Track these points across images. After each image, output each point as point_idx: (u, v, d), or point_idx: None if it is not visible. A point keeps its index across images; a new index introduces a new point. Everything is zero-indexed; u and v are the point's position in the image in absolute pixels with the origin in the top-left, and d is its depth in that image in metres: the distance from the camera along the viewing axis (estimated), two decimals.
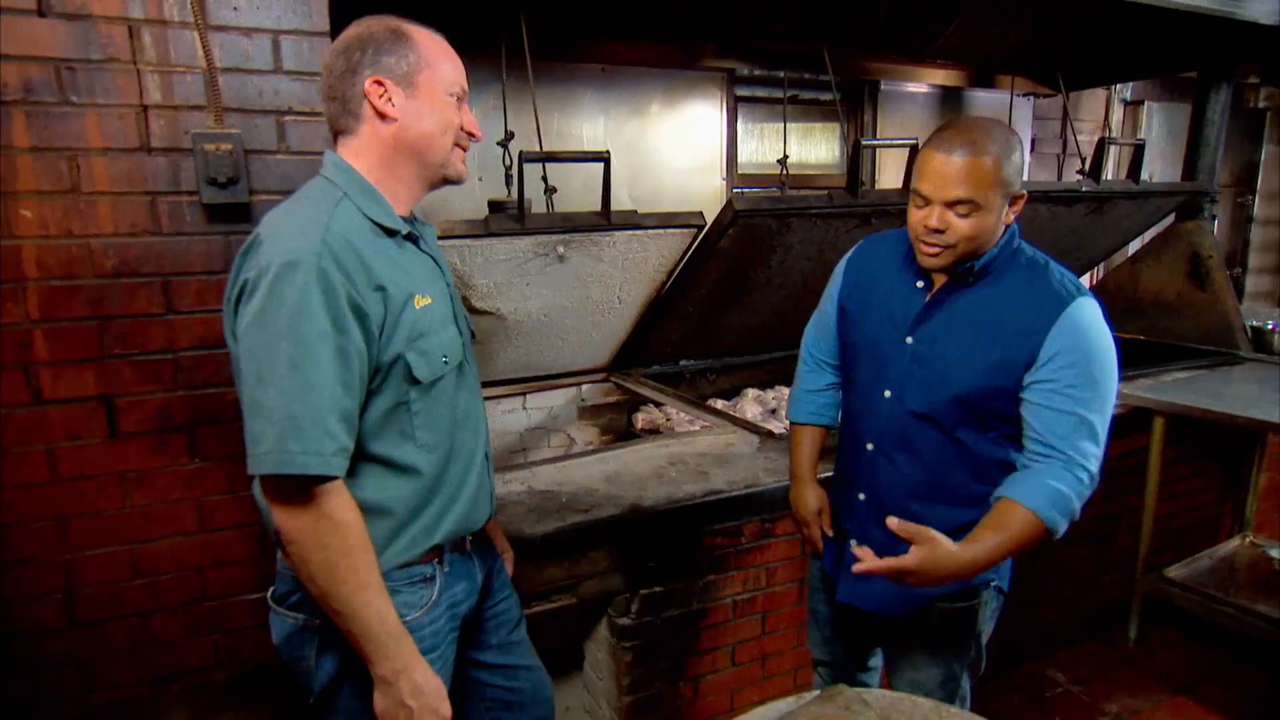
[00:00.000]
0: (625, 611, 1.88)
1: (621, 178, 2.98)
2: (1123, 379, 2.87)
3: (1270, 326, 3.34)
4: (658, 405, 2.83)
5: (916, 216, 1.30)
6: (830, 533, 1.57)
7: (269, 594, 1.22)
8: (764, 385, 3.06)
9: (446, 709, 1.12)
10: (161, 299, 1.50)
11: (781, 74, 3.12)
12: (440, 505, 1.19)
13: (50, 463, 1.48)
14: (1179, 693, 2.45)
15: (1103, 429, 1.26)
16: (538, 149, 2.07)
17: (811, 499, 1.59)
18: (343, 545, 1.02)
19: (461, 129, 1.16)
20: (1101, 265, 4.07)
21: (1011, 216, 1.30)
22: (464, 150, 1.19)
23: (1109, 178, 3.03)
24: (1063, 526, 1.25)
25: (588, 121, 2.98)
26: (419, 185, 1.17)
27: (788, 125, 3.03)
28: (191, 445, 1.57)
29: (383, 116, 1.11)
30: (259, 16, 1.49)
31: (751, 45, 2.95)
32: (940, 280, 1.37)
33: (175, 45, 1.44)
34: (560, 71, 2.86)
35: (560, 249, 2.16)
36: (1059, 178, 4.11)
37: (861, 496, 1.48)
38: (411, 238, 1.17)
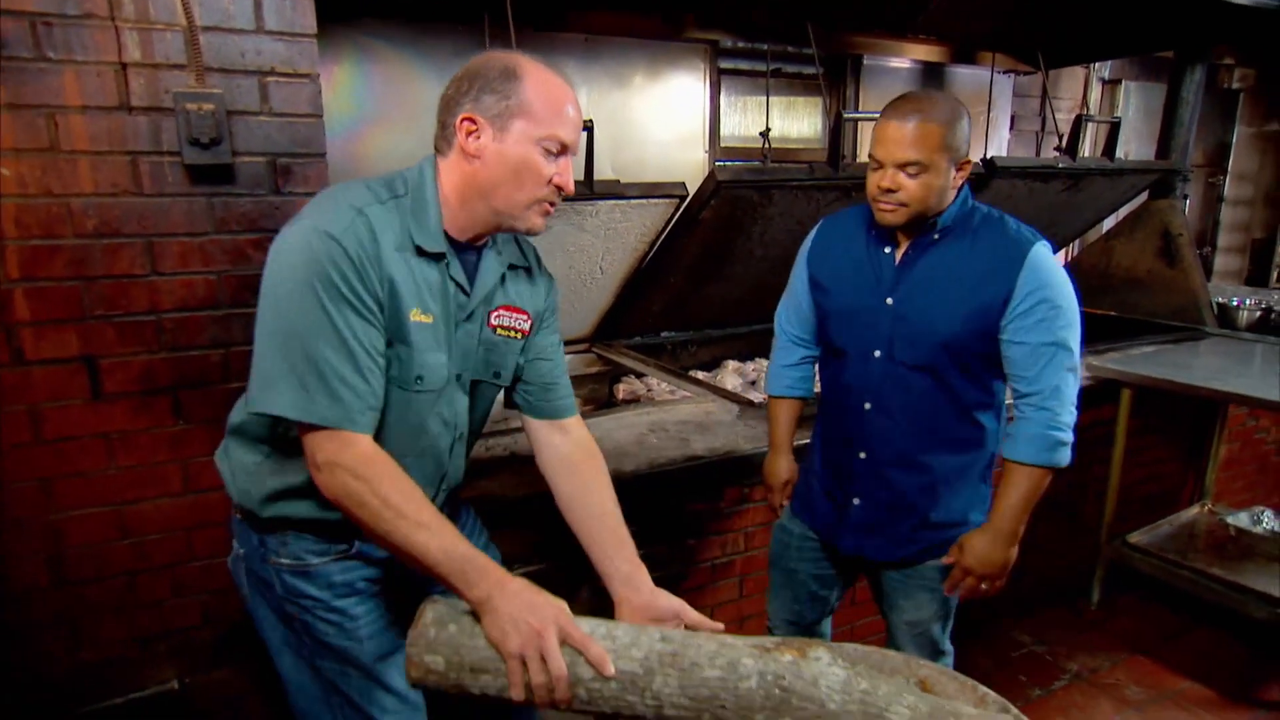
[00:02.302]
0: None
1: (604, 148, 2.96)
2: (1093, 353, 2.95)
3: (1235, 303, 3.44)
4: (639, 376, 2.86)
5: (873, 180, 1.43)
6: (785, 500, 1.72)
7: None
8: (744, 357, 3.10)
9: (554, 618, 1.00)
10: (144, 260, 1.50)
11: (764, 47, 3.12)
12: None
13: (33, 423, 1.48)
14: (1137, 652, 2.56)
15: (1076, 347, 1.42)
16: None
17: (783, 469, 1.72)
18: (377, 495, 1.02)
19: (549, 182, 1.14)
20: (1077, 242, 4.14)
21: (960, 180, 1.44)
22: (549, 206, 1.17)
23: (1085, 155, 3.07)
24: (1062, 459, 1.42)
25: None
26: (485, 223, 1.17)
27: (770, 99, 3.04)
28: (176, 407, 1.57)
29: (465, 153, 1.13)
30: None
31: (735, 17, 2.95)
32: (906, 242, 1.48)
33: (154, 2, 1.43)
34: (543, 41, 2.83)
35: None
36: (1037, 154, 4.16)
37: (862, 455, 1.57)
38: (441, 257, 1.16)
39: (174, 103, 1.45)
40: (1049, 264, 1.41)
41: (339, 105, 2.46)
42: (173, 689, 1.67)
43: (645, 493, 1.89)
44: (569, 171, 1.16)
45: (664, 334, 3.01)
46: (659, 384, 2.76)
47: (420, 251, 1.14)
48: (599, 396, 2.95)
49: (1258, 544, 2.67)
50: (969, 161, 1.42)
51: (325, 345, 1.04)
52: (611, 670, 0.98)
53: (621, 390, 2.88)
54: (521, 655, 0.98)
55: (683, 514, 1.99)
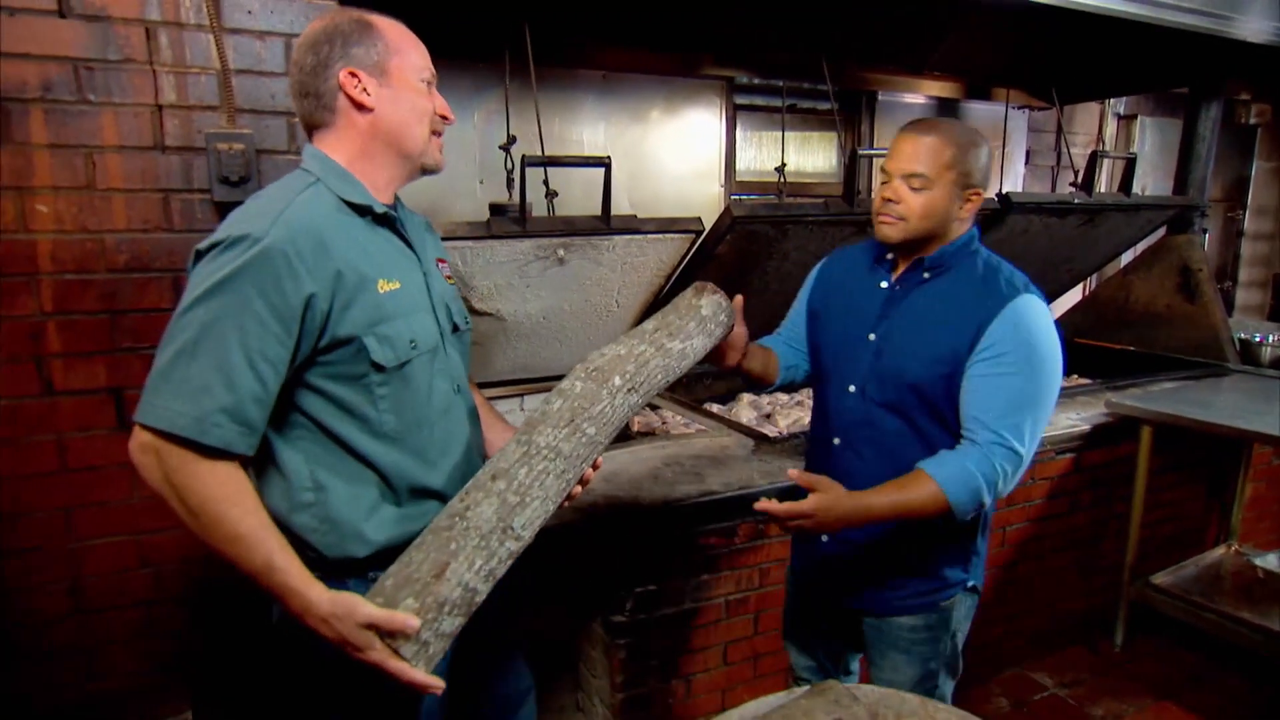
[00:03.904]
0: (620, 609, 1.91)
1: (621, 183, 3.02)
2: (1112, 388, 2.92)
3: (1258, 339, 3.39)
4: (654, 408, 2.86)
5: (878, 193, 1.41)
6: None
7: None
8: (759, 390, 3.10)
9: (354, 625, 1.01)
10: (172, 294, 1.54)
11: (780, 83, 3.17)
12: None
13: (59, 453, 1.51)
14: (1164, 698, 2.48)
15: (1033, 420, 1.30)
16: (539, 154, 2.11)
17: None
18: (194, 501, 1.00)
19: (435, 114, 1.18)
20: (1094, 277, 4.13)
21: (967, 211, 1.39)
22: (439, 136, 1.20)
23: (1101, 190, 3.08)
24: (967, 506, 1.30)
25: (588, 127, 3.03)
26: (398, 174, 1.19)
27: (786, 134, 3.07)
28: None
29: (359, 107, 1.12)
30: (272, 20, 1.53)
31: (751, 54, 3.01)
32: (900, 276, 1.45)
33: (190, 47, 1.48)
34: (562, 78, 2.90)
35: (560, 252, 2.20)
36: (1053, 189, 4.17)
37: None
38: (387, 220, 1.17)
39: (206, 142, 1.50)
40: (1028, 317, 1.32)
41: None
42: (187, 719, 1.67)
43: (659, 527, 1.89)
44: (442, 99, 1.20)
45: None
46: (674, 417, 2.76)
47: (364, 215, 1.13)
48: None
49: None
50: (979, 193, 1.38)
51: (206, 353, 0.99)
52: (415, 624, 1.00)
53: (637, 423, 2.88)
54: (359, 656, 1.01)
55: (697, 549, 1.97)
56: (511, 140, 2.25)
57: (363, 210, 1.14)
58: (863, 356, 1.45)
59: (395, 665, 1.01)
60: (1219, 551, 2.93)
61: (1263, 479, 3.10)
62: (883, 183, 1.40)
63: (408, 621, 0.99)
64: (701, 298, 1.38)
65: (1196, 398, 2.69)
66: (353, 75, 1.11)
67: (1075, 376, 3.51)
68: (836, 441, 1.51)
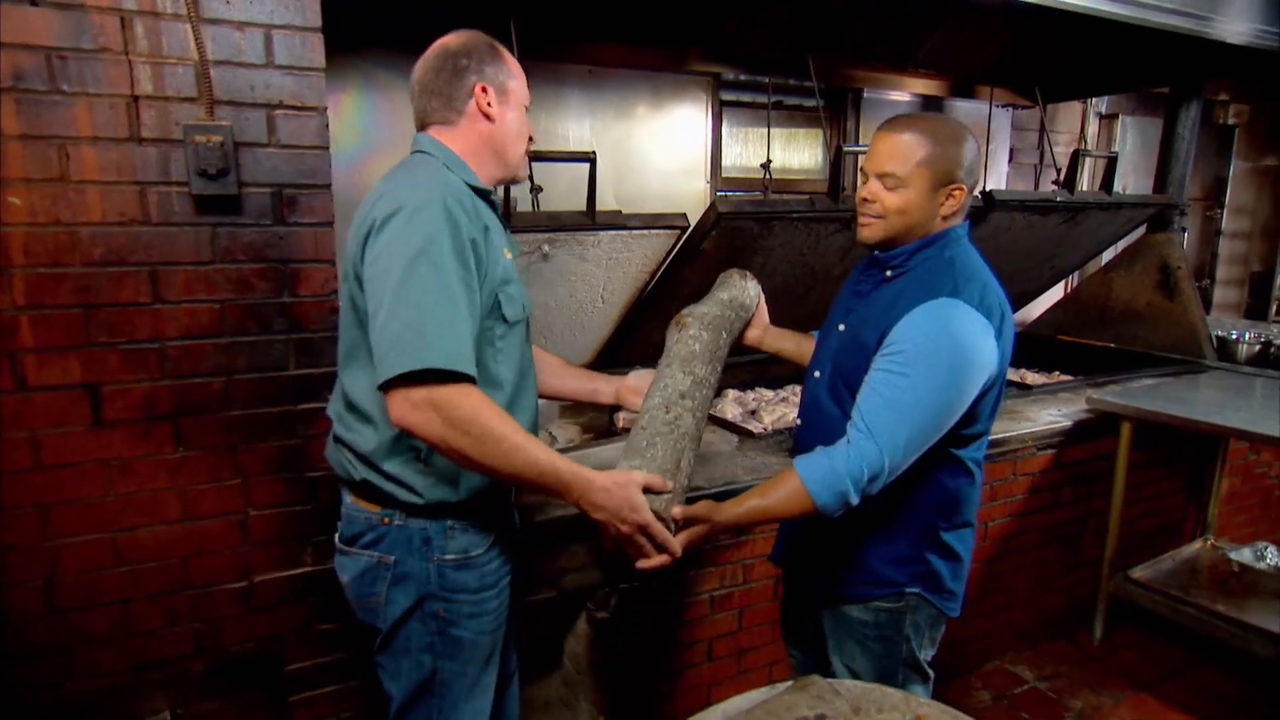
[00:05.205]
0: (604, 606, 1.91)
1: (607, 178, 3.00)
2: (1093, 385, 2.95)
3: (1235, 336, 3.45)
4: None
5: (858, 192, 1.41)
6: None
7: (336, 538, 1.36)
8: (744, 386, 3.10)
9: (635, 487, 1.24)
10: (149, 288, 1.51)
11: (766, 80, 3.17)
12: None
13: (33, 450, 1.48)
14: (1141, 690, 2.52)
15: (907, 423, 1.26)
16: None
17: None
18: (477, 430, 1.14)
19: (527, 135, 1.40)
20: (1076, 274, 4.17)
21: (949, 209, 1.36)
22: (528, 155, 1.42)
23: (1083, 189, 3.11)
24: (832, 505, 1.28)
25: (574, 122, 3.01)
26: (495, 176, 1.38)
27: (771, 130, 3.07)
28: (176, 434, 1.57)
29: (486, 117, 1.32)
30: (252, 11, 1.50)
31: (737, 51, 3.00)
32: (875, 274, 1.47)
33: (168, 37, 1.45)
34: (548, 72, 2.88)
35: (545, 248, 2.19)
36: (1035, 188, 4.20)
37: None
38: (494, 206, 1.38)
39: (183, 134, 1.47)
40: (937, 319, 1.27)
41: (344, 134, 2.50)
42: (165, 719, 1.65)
43: None
44: (530, 124, 1.42)
45: None
46: None
47: (482, 199, 1.32)
48: (599, 425, 2.94)
49: (1261, 580, 2.65)
50: (960, 189, 1.34)
51: (442, 299, 1.15)
52: (669, 483, 1.31)
53: (622, 419, 2.87)
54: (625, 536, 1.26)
55: None
56: None
57: (481, 193, 1.32)
58: (831, 345, 1.50)
59: (659, 528, 1.25)
60: (1195, 546, 2.98)
61: (1238, 474, 3.15)
62: (862, 183, 1.40)
63: (665, 482, 1.28)
64: (747, 280, 1.75)
65: (1175, 394, 2.72)
66: (484, 90, 1.31)
67: (1057, 373, 3.54)
68: (799, 422, 1.59)
